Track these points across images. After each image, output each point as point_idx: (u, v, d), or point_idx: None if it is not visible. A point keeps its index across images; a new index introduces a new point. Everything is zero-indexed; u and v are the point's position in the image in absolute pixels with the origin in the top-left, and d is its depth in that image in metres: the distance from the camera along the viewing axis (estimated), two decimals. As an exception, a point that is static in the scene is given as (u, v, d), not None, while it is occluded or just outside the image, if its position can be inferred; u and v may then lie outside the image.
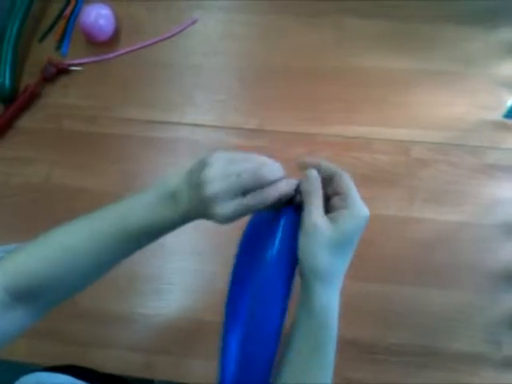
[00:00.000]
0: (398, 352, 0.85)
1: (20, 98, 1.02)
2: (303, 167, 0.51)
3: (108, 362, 0.86)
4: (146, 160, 0.99)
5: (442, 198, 0.92)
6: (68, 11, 1.09)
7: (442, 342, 0.86)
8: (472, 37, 1.01)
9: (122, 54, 1.06)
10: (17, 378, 0.68)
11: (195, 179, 0.48)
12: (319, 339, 0.50)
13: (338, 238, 0.47)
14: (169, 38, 1.06)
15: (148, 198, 0.52)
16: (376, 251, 0.89)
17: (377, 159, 0.95)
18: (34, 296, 0.50)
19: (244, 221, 0.55)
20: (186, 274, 0.92)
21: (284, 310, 0.50)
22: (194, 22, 1.07)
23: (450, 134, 0.96)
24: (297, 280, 0.52)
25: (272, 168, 0.49)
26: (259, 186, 0.48)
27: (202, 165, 0.48)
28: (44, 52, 1.07)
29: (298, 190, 0.50)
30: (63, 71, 1.05)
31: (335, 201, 0.50)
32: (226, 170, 0.47)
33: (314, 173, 0.50)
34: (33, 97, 1.03)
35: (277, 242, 0.50)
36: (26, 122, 1.03)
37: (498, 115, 0.95)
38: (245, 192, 0.48)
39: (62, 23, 1.08)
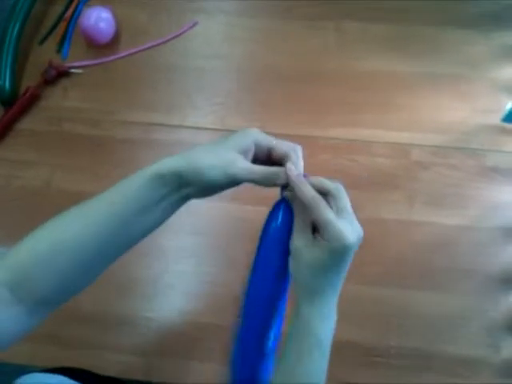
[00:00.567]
0: (398, 355, 0.85)
1: (20, 101, 1.02)
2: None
3: (108, 364, 0.86)
4: (147, 163, 0.98)
5: (441, 201, 0.92)
6: (68, 14, 1.09)
7: (442, 345, 0.86)
8: (473, 40, 1.01)
9: (122, 57, 1.06)
10: (14, 379, 0.68)
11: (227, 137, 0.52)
12: (302, 347, 0.51)
13: (318, 263, 0.49)
14: (169, 40, 1.06)
15: (135, 181, 0.51)
16: (376, 254, 0.90)
17: (377, 162, 0.95)
18: (34, 292, 0.49)
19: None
20: (185, 276, 0.92)
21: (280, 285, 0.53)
22: (194, 25, 1.07)
23: (450, 137, 0.96)
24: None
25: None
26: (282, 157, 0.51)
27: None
28: (44, 54, 1.07)
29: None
30: (64, 74, 1.05)
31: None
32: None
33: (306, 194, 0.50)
34: (33, 99, 1.03)
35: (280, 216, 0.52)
36: (26, 124, 1.03)
37: (498, 119, 0.95)
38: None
39: (62, 26, 1.08)
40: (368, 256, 0.89)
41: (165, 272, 0.92)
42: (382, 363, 0.85)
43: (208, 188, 0.51)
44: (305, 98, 1.00)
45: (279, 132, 1.03)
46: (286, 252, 0.52)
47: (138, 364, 0.87)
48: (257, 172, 0.51)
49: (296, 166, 0.52)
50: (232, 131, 0.97)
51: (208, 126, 1.00)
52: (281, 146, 0.53)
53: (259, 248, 0.53)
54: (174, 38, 1.06)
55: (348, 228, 0.47)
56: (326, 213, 0.47)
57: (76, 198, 0.95)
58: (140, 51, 1.06)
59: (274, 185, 0.52)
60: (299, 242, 0.49)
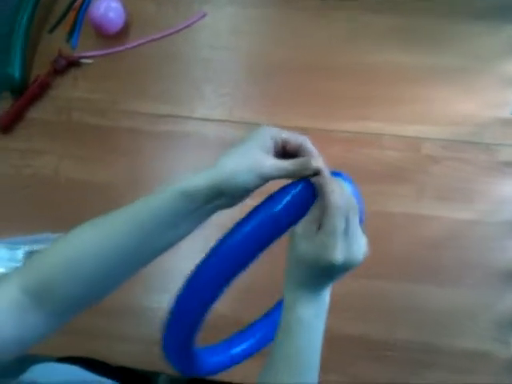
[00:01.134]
0: (405, 349, 0.85)
1: (30, 90, 1.02)
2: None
3: (116, 354, 0.87)
4: (155, 154, 0.99)
5: (451, 196, 0.92)
6: (78, 3, 1.08)
7: (450, 339, 0.86)
8: (484, 34, 1.00)
9: (131, 48, 1.05)
10: (26, 367, 0.69)
11: (246, 138, 0.51)
12: (289, 346, 0.51)
13: (305, 259, 0.48)
14: (178, 31, 1.06)
15: (161, 197, 0.50)
16: (384, 248, 0.89)
17: (387, 155, 0.95)
18: (56, 301, 0.49)
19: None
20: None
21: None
22: (203, 16, 1.06)
23: (460, 131, 0.95)
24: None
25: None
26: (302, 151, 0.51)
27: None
28: (54, 43, 1.07)
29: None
30: (73, 63, 1.05)
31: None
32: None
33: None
34: (43, 88, 1.03)
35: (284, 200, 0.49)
36: (35, 113, 1.04)
37: (508, 112, 0.95)
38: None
39: (72, 15, 1.08)
40: (376, 250, 0.88)
41: (176, 265, 0.92)
42: (389, 357, 0.85)
43: (240, 194, 0.51)
44: (314, 91, 1.00)
45: (288, 125, 1.03)
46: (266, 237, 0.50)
47: (147, 354, 0.87)
48: (286, 167, 0.50)
49: (316, 156, 0.52)
50: (240, 123, 0.98)
51: (216, 118, 1.00)
52: (294, 137, 0.52)
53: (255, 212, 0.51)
54: (182, 29, 1.06)
55: (342, 249, 0.46)
56: (339, 223, 0.46)
57: (84, 187, 0.97)
58: (149, 42, 1.06)
59: (301, 177, 0.51)
60: (300, 230, 0.48)
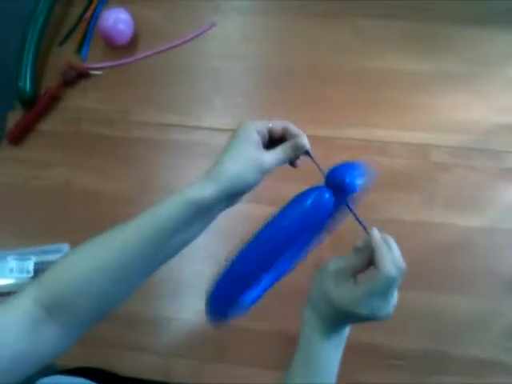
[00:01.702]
0: (415, 357, 0.84)
1: (40, 102, 1.03)
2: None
3: (126, 364, 0.87)
4: (165, 163, 1.00)
5: (460, 203, 0.91)
6: (88, 15, 1.10)
7: (460, 347, 0.85)
8: (490, 38, 1.00)
9: (140, 58, 1.06)
10: (34, 380, 0.69)
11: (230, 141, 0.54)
12: (305, 358, 0.54)
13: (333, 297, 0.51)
14: (187, 41, 1.07)
15: (170, 206, 0.52)
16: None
17: (395, 163, 0.94)
18: (72, 313, 0.50)
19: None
20: (203, 277, 0.92)
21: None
22: (212, 26, 1.07)
23: (468, 138, 0.95)
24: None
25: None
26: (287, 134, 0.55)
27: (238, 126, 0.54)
28: (64, 56, 1.08)
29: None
30: (83, 75, 1.06)
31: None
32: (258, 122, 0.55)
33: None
34: (53, 100, 1.04)
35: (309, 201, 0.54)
36: (46, 125, 1.05)
37: (517, 119, 0.94)
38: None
39: (81, 27, 1.10)
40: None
41: (185, 273, 0.92)
42: (398, 365, 0.84)
43: (244, 193, 0.54)
44: (321, 98, 1.00)
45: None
46: (308, 229, 0.54)
47: (157, 364, 0.87)
48: (281, 155, 0.54)
49: (302, 135, 0.56)
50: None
51: (225, 127, 1.00)
52: (277, 124, 0.56)
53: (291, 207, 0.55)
54: (191, 38, 1.07)
55: (376, 309, 0.50)
56: (386, 292, 0.50)
57: (94, 197, 0.98)
58: (158, 52, 1.06)
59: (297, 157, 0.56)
60: (333, 268, 0.52)
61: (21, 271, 0.89)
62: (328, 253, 0.90)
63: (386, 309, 0.50)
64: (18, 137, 1.03)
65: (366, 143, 0.96)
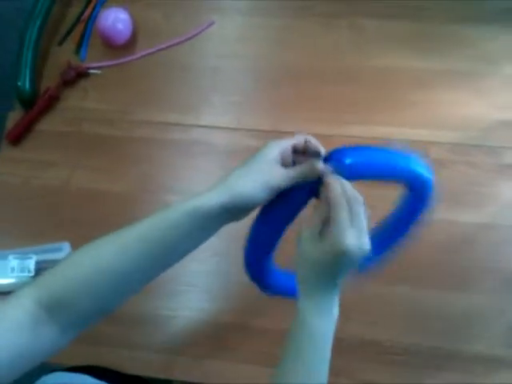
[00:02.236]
0: (417, 354, 0.84)
1: (40, 102, 1.03)
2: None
3: (127, 362, 0.87)
4: (165, 162, 1.00)
5: (460, 199, 0.91)
6: (86, 15, 1.10)
7: (461, 344, 0.85)
8: (489, 37, 1.00)
9: (139, 58, 1.07)
10: (37, 377, 0.69)
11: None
12: (299, 344, 0.52)
13: (316, 259, 0.50)
14: (186, 40, 1.07)
15: (174, 214, 0.52)
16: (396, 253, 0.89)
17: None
18: (71, 313, 0.50)
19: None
20: (204, 275, 0.92)
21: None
22: (210, 25, 1.07)
23: (468, 135, 0.95)
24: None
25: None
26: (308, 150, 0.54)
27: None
28: (63, 56, 1.08)
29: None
30: (82, 75, 1.06)
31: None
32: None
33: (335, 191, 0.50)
34: (52, 100, 1.05)
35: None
36: (45, 125, 1.05)
37: (517, 115, 0.94)
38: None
39: (80, 27, 1.10)
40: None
41: (186, 271, 0.93)
42: (401, 362, 0.84)
43: (251, 208, 0.53)
44: (320, 96, 1.00)
45: (295, 130, 1.03)
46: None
47: (159, 362, 0.87)
48: (294, 174, 0.52)
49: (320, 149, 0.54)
50: (248, 130, 0.98)
51: (224, 125, 1.00)
52: (299, 139, 0.55)
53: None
54: (190, 37, 1.07)
55: (352, 236, 0.47)
56: (342, 213, 0.48)
57: (95, 197, 0.98)
58: (157, 51, 1.07)
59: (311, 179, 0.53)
60: (306, 233, 0.50)
61: (22, 270, 0.89)
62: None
63: (362, 235, 0.48)
64: (18, 137, 1.03)
65: (365, 140, 0.96)
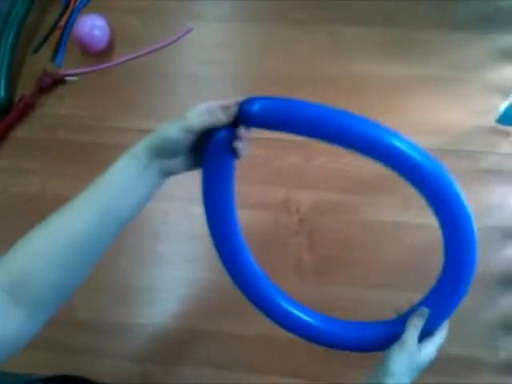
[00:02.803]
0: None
1: (15, 109, 1.02)
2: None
3: (103, 371, 0.86)
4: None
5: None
6: (63, 22, 1.09)
7: (443, 346, 0.86)
8: (466, 43, 1.01)
9: (117, 64, 1.06)
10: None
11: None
12: None
13: (416, 361, 0.62)
14: (164, 47, 1.06)
15: (115, 164, 0.56)
16: (373, 257, 0.90)
17: (374, 166, 0.95)
18: (33, 291, 0.49)
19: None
20: (181, 282, 0.92)
21: None
22: (188, 31, 1.07)
23: (444, 140, 0.96)
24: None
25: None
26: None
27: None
28: (39, 63, 1.07)
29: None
30: (59, 81, 1.05)
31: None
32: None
33: (425, 312, 0.64)
34: (28, 107, 1.03)
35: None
36: (21, 132, 1.04)
37: (491, 120, 0.96)
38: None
39: (56, 34, 1.09)
40: (365, 258, 0.89)
41: (160, 278, 0.92)
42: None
43: (174, 150, 0.55)
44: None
45: (274, 137, 1.04)
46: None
47: (134, 370, 0.86)
48: (208, 116, 0.54)
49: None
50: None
51: (203, 132, 1.00)
52: (229, 101, 0.56)
53: None
54: (168, 44, 1.06)
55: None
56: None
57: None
58: (135, 58, 1.06)
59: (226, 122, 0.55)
60: (413, 345, 0.62)
61: None
62: (307, 256, 0.91)
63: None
64: (-7, 145, 1.01)
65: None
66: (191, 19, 1.08)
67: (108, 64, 1.06)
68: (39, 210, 0.96)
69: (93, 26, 1.03)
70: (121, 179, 0.55)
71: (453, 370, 0.84)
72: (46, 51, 1.09)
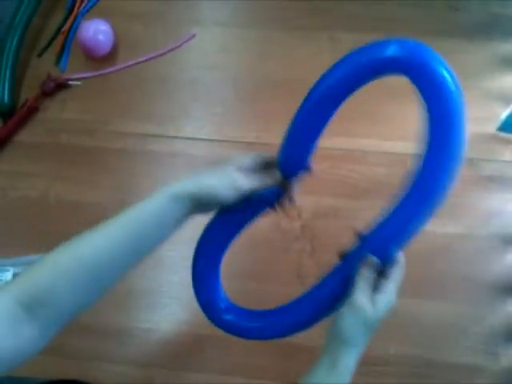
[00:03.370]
0: (397, 363, 0.85)
1: (18, 113, 1.02)
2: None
3: (108, 376, 0.86)
4: (144, 173, 1.00)
5: (438, 210, 0.93)
6: (67, 26, 1.10)
7: (440, 353, 0.86)
8: (466, 50, 1.02)
9: (120, 69, 1.07)
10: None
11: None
12: None
13: (373, 319, 0.57)
14: (166, 52, 1.07)
15: (155, 198, 0.55)
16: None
17: (375, 172, 0.95)
18: (50, 308, 0.50)
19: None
20: (183, 287, 0.92)
21: None
22: (191, 37, 1.08)
23: (445, 147, 0.97)
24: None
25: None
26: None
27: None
28: (43, 67, 1.08)
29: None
30: (62, 86, 1.05)
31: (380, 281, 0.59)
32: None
33: (374, 262, 0.59)
34: (31, 111, 1.04)
35: None
36: (24, 136, 1.04)
37: (492, 128, 0.96)
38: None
39: (60, 38, 1.09)
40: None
41: (164, 283, 0.92)
42: (381, 372, 0.84)
43: (217, 205, 0.58)
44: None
45: (275, 142, 1.04)
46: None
47: (137, 375, 0.86)
48: (256, 180, 0.58)
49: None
50: (228, 141, 0.99)
51: (204, 137, 1.00)
52: (268, 154, 0.62)
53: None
54: (171, 50, 1.07)
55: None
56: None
57: (73, 208, 0.97)
58: (138, 63, 1.07)
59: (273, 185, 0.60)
60: (363, 299, 0.57)
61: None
62: (308, 261, 0.91)
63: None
64: (-4, 148, 1.02)
65: (345, 152, 0.97)
66: (193, 24, 1.09)
67: (110, 69, 1.06)
68: (41, 213, 0.98)
69: (97, 31, 1.04)
70: (157, 217, 0.54)
71: (453, 377, 0.84)
72: (50, 55, 1.09)
